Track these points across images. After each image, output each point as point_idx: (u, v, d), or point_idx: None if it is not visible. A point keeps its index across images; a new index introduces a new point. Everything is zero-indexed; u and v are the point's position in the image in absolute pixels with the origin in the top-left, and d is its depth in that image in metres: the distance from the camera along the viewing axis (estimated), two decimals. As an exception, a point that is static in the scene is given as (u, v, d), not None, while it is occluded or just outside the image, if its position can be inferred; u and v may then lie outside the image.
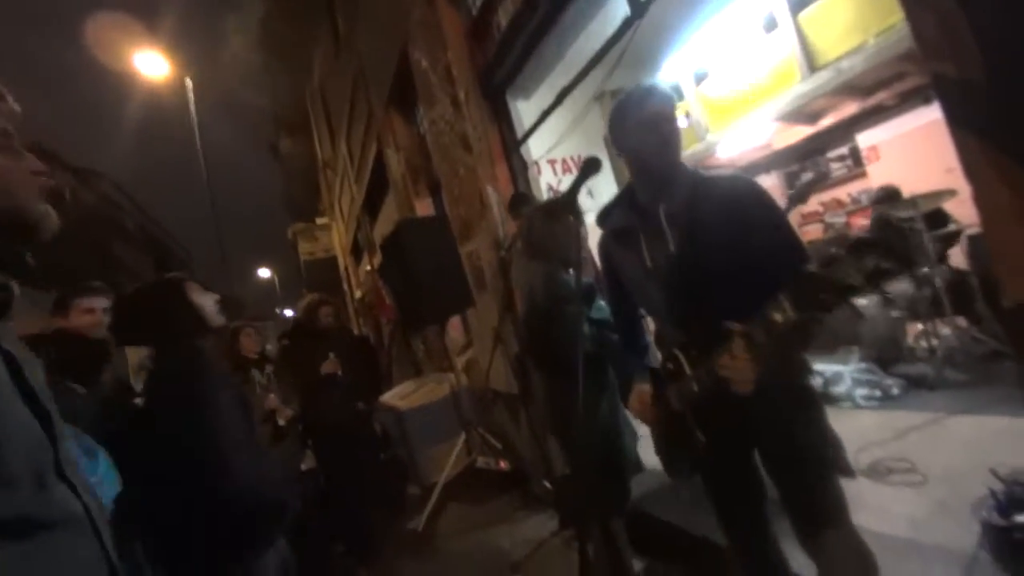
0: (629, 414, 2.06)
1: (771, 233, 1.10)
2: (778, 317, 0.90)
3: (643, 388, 1.34)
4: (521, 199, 2.94)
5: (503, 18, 3.13)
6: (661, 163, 1.19)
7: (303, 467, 3.72)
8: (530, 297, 1.92)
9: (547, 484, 3.00)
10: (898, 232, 0.75)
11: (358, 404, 4.15)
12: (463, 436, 3.72)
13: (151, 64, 10.19)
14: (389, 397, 4.80)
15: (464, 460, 3.67)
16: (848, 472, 1.12)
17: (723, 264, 1.09)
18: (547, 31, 2.93)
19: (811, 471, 1.10)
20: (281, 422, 3.00)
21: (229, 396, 1.34)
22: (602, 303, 1.83)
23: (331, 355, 3.58)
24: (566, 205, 1.20)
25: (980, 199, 1.11)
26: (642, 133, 1.18)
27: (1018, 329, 1.09)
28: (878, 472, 2.13)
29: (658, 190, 1.20)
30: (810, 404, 1.14)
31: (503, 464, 3.31)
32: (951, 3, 1.02)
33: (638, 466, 2.74)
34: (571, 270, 1.81)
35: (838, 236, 5.23)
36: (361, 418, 3.81)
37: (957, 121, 1.08)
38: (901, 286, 3.52)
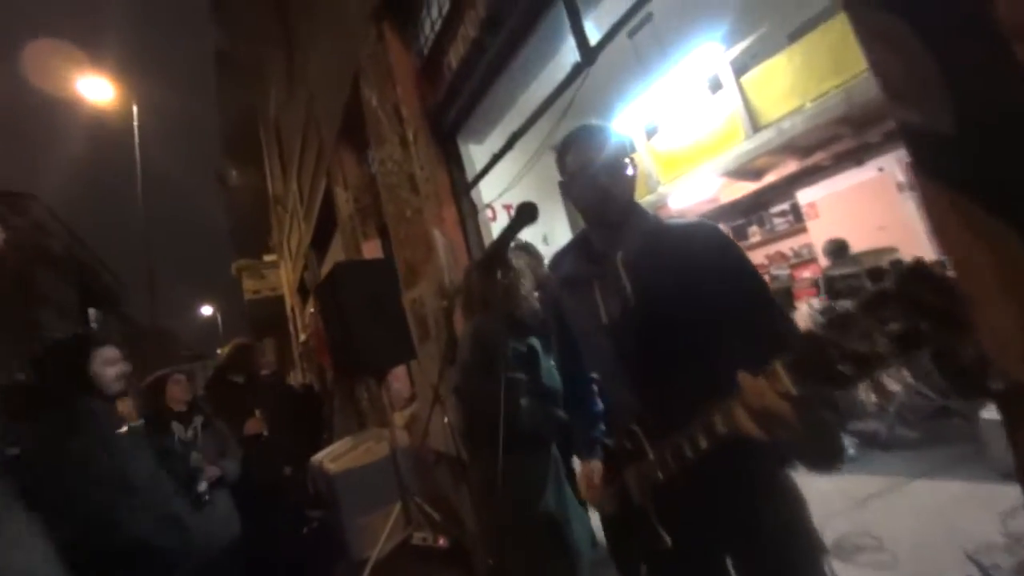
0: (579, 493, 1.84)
1: (742, 286, 0.95)
2: (779, 387, 0.70)
3: (593, 466, 1.13)
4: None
5: (454, 59, 3.05)
6: (606, 209, 1.04)
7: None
8: (459, 357, 1.69)
9: (491, 563, 2.65)
10: (938, 282, 0.61)
11: (285, 468, 3.70)
12: (399, 504, 3.32)
13: (95, 88, 9.72)
14: (323, 456, 4.32)
15: (400, 533, 3.25)
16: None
17: (688, 319, 0.93)
18: (498, 74, 2.86)
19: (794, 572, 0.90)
20: (202, 486, 2.46)
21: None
22: (552, 368, 1.62)
23: (257, 413, 3.18)
24: (496, 257, 1.01)
25: (956, 260, 0.99)
26: (585, 177, 1.03)
27: (1010, 408, 0.95)
28: (845, 550, 1.97)
29: (613, 236, 1.05)
30: (796, 500, 0.96)
31: (442, 541, 2.93)
32: (916, 41, 0.93)
33: (592, 545, 2.48)
34: (517, 329, 1.60)
35: (782, 289, 5.35)
36: (285, 484, 3.37)
37: (925, 171, 0.97)
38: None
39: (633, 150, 5.17)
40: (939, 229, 0.98)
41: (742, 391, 0.74)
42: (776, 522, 0.92)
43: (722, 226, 1.05)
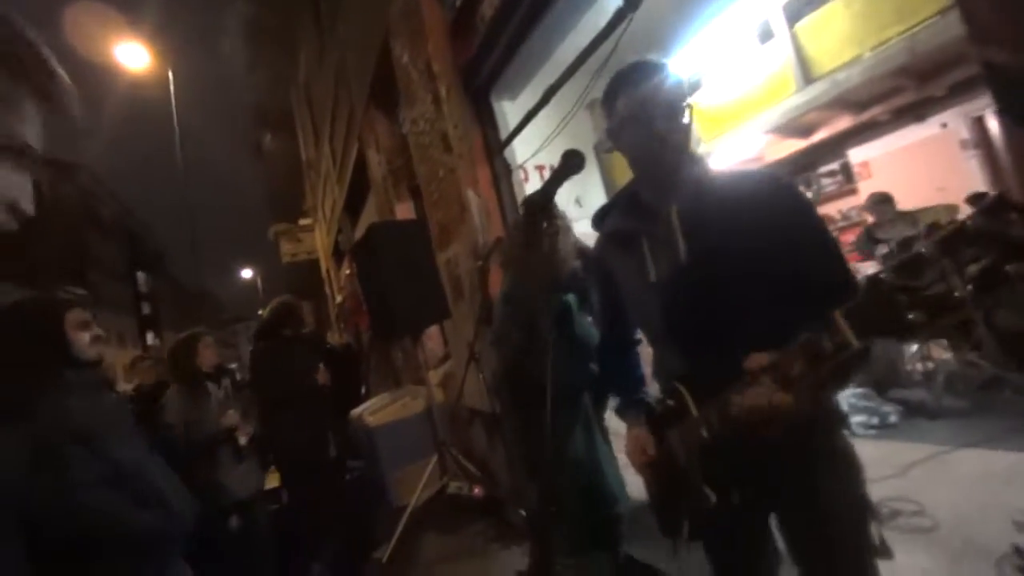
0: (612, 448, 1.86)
1: (811, 247, 0.89)
2: (828, 344, 0.68)
3: (641, 433, 1.09)
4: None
5: (488, 11, 2.93)
6: (661, 159, 0.97)
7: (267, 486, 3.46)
8: (495, 313, 1.71)
9: (523, 514, 2.76)
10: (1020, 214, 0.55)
11: (326, 420, 3.89)
12: (435, 457, 3.46)
13: (132, 55, 9.87)
14: (361, 410, 4.53)
15: (436, 483, 3.41)
16: (886, 553, 0.89)
17: (745, 279, 0.88)
18: (533, 25, 2.74)
19: (843, 550, 0.89)
20: (242, 440, 2.68)
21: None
22: (585, 323, 1.61)
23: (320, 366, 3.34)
24: (543, 204, 0.99)
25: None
26: (639, 122, 0.96)
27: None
28: (883, 514, 1.94)
29: (667, 187, 0.99)
30: (850, 464, 0.93)
31: (477, 491, 3.06)
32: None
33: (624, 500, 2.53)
34: (555, 283, 1.60)
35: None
36: (324, 438, 3.56)
37: (1012, 111, 0.89)
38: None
39: (695, 90, 4.90)
40: (1021, 170, 0.91)
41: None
42: (827, 485, 0.89)
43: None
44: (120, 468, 1.26)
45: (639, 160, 1.03)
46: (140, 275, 35.06)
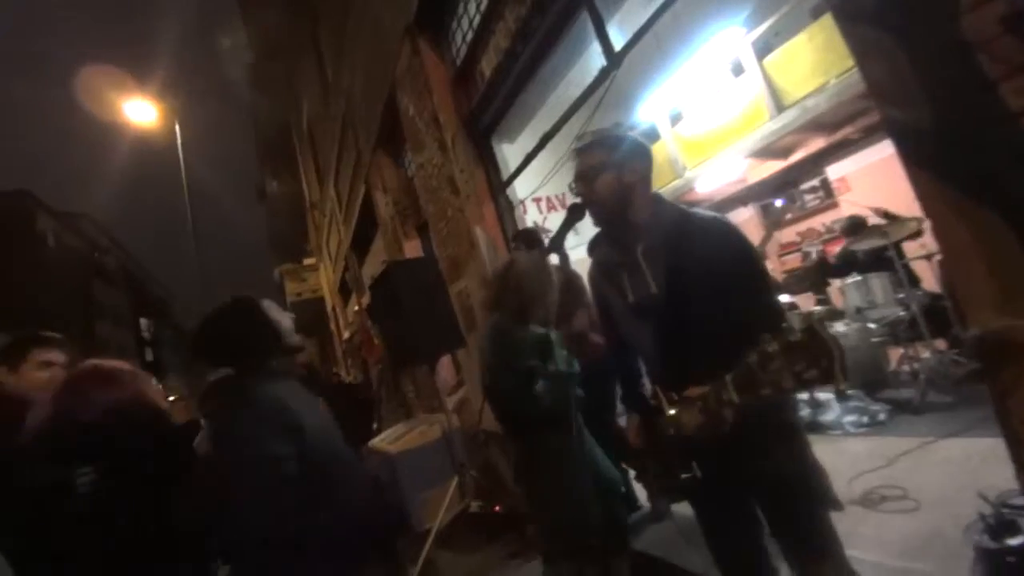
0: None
1: (747, 283, 1.13)
2: (724, 396, 0.97)
3: (635, 422, 1.35)
4: (524, 236, 2.89)
5: (487, 67, 3.29)
6: (603, 214, 1.23)
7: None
8: (482, 353, 1.91)
9: (531, 530, 2.93)
10: (822, 343, 0.80)
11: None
12: (456, 479, 3.63)
13: (140, 111, 10.32)
14: (379, 441, 4.69)
15: (457, 505, 3.57)
16: (836, 505, 1.13)
17: (701, 308, 1.12)
18: (529, 79, 3.08)
19: (798, 505, 1.11)
20: None
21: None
22: (566, 355, 1.80)
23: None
24: (552, 248, 1.26)
25: (938, 235, 1.19)
26: (580, 186, 1.23)
27: (983, 353, 1.14)
28: (872, 500, 2.14)
29: (623, 232, 1.23)
30: (791, 436, 1.15)
31: (498, 507, 3.22)
32: (897, 51, 1.13)
33: (632, 503, 2.71)
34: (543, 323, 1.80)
35: (814, 265, 5.32)
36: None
37: (910, 160, 1.17)
38: (881, 312, 3.64)
39: (658, 138, 5.23)
40: (922, 203, 1.18)
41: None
42: (775, 454, 1.11)
43: (750, 207, 1.26)
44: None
45: (592, 215, 1.26)
46: (143, 321, 35.25)
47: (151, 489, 1.37)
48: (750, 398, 0.93)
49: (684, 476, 1.17)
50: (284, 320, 1.42)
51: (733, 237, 1.17)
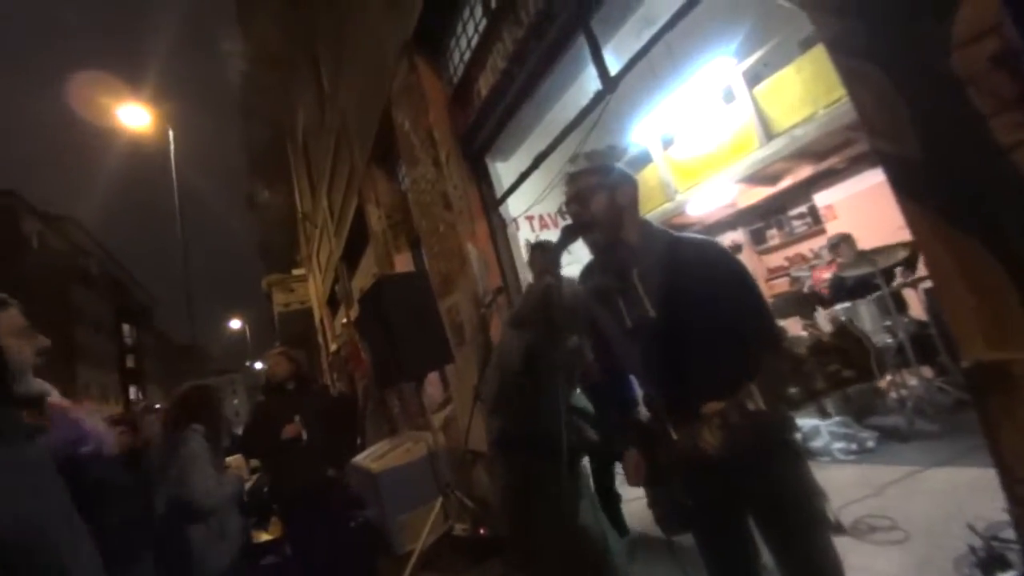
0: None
1: (744, 304, 1.14)
2: (750, 405, 0.95)
3: (634, 455, 1.29)
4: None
5: (483, 87, 3.32)
6: (597, 234, 1.23)
7: (269, 536, 3.48)
8: (502, 367, 1.89)
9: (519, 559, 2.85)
10: (856, 341, 0.79)
11: (328, 470, 3.91)
12: (440, 500, 3.54)
13: (133, 116, 10.22)
14: (362, 458, 4.59)
15: (441, 526, 3.48)
16: (839, 529, 1.12)
17: (698, 331, 1.11)
18: (525, 100, 3.11)
19: (801, 528, 1.10)
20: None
21: None
22: (579, 395, 1.79)
23: (296, 418, 3.40)
24: (548, 268, 1.25)
25: (929, 263, 1.20)
26: (575, 207, 1.25)
27: (975, 385, 1.14)
28: (860, 530, 2.12)
29: (620, 256, 1.23)
30: (794, 459, 1.15)
31: (483, 531, 3.14)
32: (887, 84, 1.15)
33: (623, 530, 2.65)
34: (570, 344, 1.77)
35: (803, 294, 5.39)
36: (329, 484, 3.61)
37: (900, 189, 1.18)
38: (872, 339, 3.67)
39: (650, 161, 5.34)
40: (913, 232, 1.19)
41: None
42: (777, 477, 1.10)
43: (740, 231, 1.27)
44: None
45: (584, 237, 1.26)
46: (126, 327, 34.58)
47: None
48: (777, 403, 0.92)
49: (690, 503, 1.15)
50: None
51: (726, 259, 1.19)
